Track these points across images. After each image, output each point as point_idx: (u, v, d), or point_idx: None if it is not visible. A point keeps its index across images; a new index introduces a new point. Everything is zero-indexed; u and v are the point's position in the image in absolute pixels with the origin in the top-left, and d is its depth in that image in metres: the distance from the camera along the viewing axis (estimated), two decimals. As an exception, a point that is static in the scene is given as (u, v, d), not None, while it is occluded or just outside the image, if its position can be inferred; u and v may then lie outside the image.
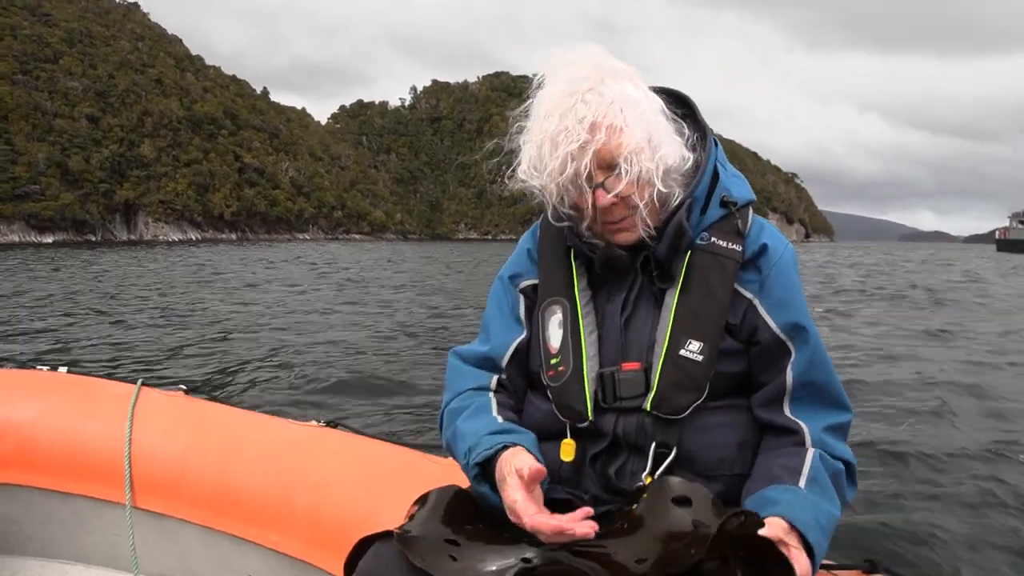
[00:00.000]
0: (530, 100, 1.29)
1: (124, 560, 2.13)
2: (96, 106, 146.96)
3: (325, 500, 1.85)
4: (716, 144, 1.35)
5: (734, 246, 1.30)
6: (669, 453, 1.24)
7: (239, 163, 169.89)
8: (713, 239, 1.30)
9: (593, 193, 1.23)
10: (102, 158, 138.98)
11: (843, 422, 1.29)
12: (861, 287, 21.12)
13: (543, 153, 1.23)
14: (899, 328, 11.40)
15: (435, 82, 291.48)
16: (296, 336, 9.84)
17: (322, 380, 6.76)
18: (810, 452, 1.22)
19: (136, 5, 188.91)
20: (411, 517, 1.25)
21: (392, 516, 1.41)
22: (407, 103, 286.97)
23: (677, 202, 1.28)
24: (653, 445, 1.25)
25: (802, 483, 1.17)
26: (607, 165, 1.22)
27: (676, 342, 1.25)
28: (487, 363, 1.42)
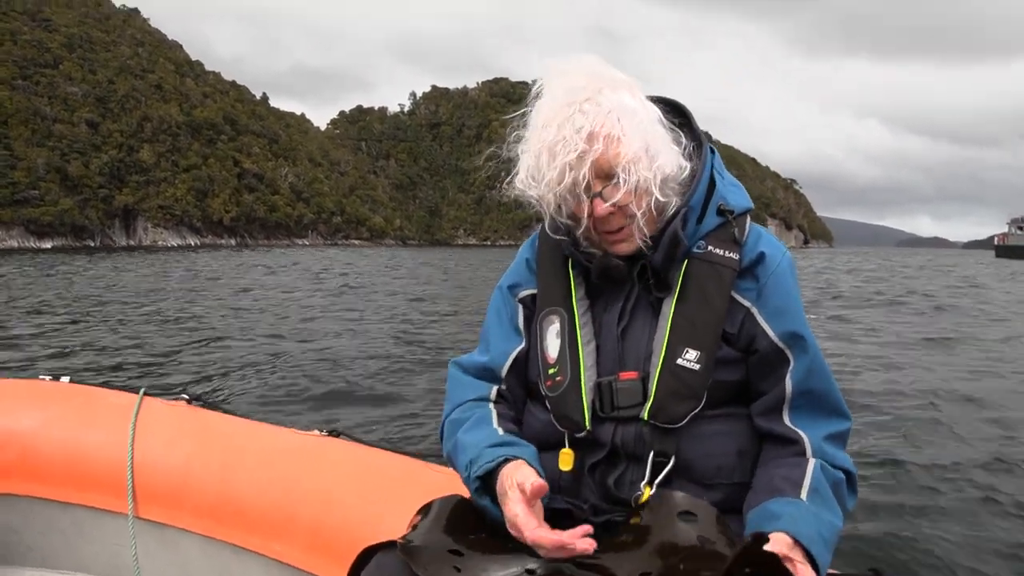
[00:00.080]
0: (527, 110, 1.29)
1: (126, 570, 2.13)
2: (96, 111, 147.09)
3: (327, 509, 1.85)
4: (713, 152, 1.35)
5: (731, 254, 1.30)
6: (667, 462, 1.25)
7: (238, 168, 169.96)
8: (710, 247, 1.30)
9: (591, 203, 1.23)
10: (101, 163, 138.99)
11: (842, 430, 1.29)
12: (859, 293, 21.13)
13: (541, 163, 1.23)
14: (897, 335, 11.40)
15: (434, 88, 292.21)
16: (297, 344, 9.84)
17: (323, 388, 6.75)
18: (811, 463, 1.22)
19: (136, 10, 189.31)
20: (414, 527, 1.25)
21: (395, 526, 1.41)
22: (406, 109, 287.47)
23: (673, 211, 1.28)
24: (651, 454, 1.25)
25: (803, 495, 1.17)
26: (605, 175, 1.22)
27: (673, 351, 1.25)
28: (487, 373, 1.42)
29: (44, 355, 8.66)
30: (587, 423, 1.27)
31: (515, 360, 1.41)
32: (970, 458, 4.62)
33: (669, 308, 1.28)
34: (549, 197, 1.25)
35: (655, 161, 1.24)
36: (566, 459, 1.30)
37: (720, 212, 1.32)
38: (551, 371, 1.33)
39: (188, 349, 9.26)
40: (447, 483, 1.74)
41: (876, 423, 5.52)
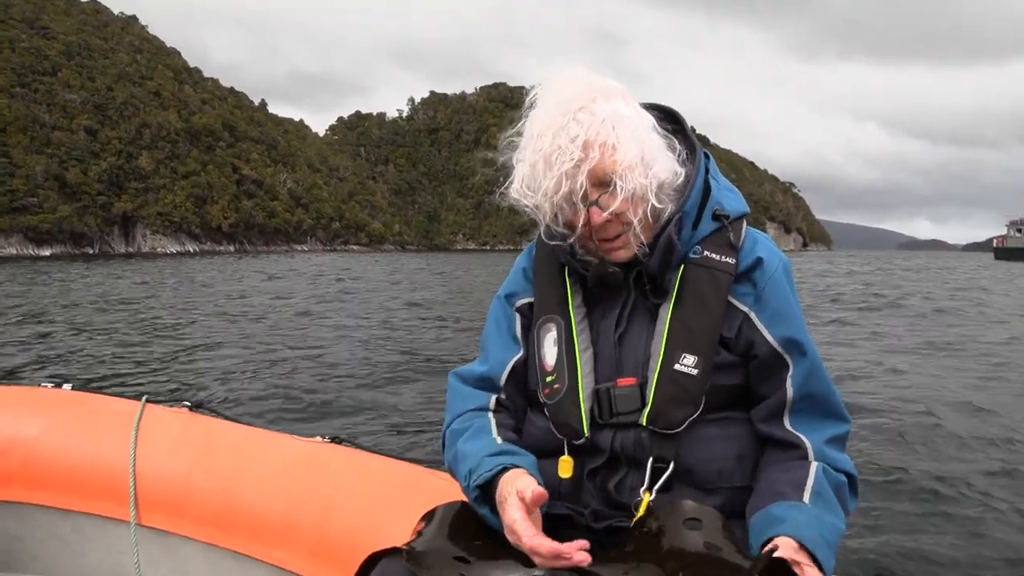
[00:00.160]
0: (522, 120, 1.29)
1: None
2: (94, 118, 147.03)
3: (330, 516, 1.85)
4: (708, 157, 1.36)
5: (727, 259, 1.30)
6: (667, 467, 1.25)
7: (237, 175, 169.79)
8: (706, 252, 1.31)
9: (588, 211, 1.24)
10: (100, 170, 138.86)
11: (842, 433, 1.30)
12: (858, 296, 21.13)
13: (536, 172, 1.23)
14: (897, 338, 11.41)
15: (433, 93, 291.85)
16: (297, 350, 9.83)
17: (325, 395, 6.75)
18: (813, 466, 1.23)
19: (134, 18, 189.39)
20: (418, 533, 1.25)
21: (399, 532, 1.42)
22: (405, 114, 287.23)
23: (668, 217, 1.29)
24: (651, 460, 1.25)
25: (806, 498, 1.18)
26: (601, 183, 1.23)
27: (671, 356, 1.26)
28: (486, 383, 1.43)
29: (46, 362, 8.65)
30: (585, 430, 1.28)
31: (513, 369, 1.41)
32: (971, 464, 4.62)
33: (666, 314, 1.29)
34: (545, 206, 1.25)
35: (651, 168, 1.24)
36: (565, 466, 1.31)
37: (716, 217, 1.32)
38: (549, 379, 1.33)
39: (188, 356, 9.26)
40: (450, 489, 1.74)
41: (875, 427, 5.52)
